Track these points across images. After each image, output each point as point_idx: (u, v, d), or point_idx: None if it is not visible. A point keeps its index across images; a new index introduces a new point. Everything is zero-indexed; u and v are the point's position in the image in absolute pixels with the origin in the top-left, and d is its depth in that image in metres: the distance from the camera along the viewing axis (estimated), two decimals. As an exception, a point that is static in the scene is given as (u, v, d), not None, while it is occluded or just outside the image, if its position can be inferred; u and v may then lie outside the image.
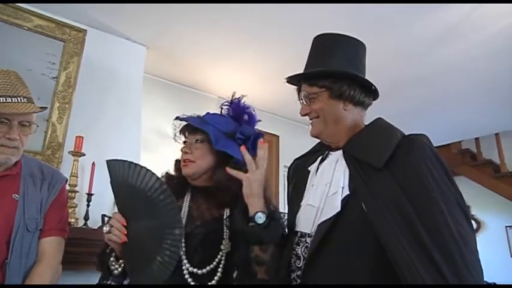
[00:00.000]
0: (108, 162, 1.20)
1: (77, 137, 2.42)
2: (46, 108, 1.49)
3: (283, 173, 4.46)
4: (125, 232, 1.16)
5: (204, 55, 3.29)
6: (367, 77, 1.31)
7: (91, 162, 2.42)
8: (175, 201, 1.16)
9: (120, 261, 1.23)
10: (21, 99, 1.36)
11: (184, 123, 1.44)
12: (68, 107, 2.54)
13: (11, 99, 1.34)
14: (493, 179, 5.64)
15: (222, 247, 1.29)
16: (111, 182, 1.21)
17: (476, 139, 5.77)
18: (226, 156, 1.34)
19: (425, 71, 3.45)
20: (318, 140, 1.42)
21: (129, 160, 1.18)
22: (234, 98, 1.52)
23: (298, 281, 1.21)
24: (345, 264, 1.13)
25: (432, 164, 1.13)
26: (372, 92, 1.33)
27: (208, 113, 1.46)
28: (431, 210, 1.06)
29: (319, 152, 1.41)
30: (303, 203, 1.30)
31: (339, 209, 1.16)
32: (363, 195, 1.14)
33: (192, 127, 1.40)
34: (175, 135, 1.50)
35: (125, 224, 1.17)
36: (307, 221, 1.24)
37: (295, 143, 4.37)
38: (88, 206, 2.38)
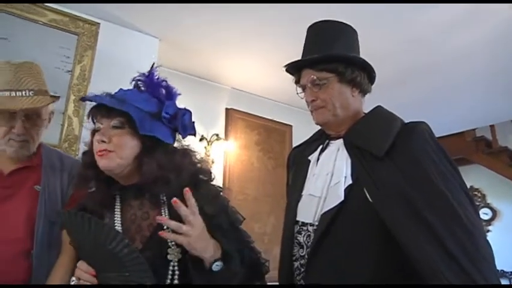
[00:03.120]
0: (61, 215, 1.11)
1: (93, 129, 2.42)
2: (55, 98, 1.47)
3: (296, 163, 4.45)
4: (96, 282, 1.03)
5: (216, 46, 3.28)
6: (374, 65, 1.31)
7: (107, 154, 2.43)
8: (139, 253, 1.02)
9: None
10: (25, 93, 1.34)
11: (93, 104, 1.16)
12: (83, 100, 2.56)
13: (15, 93, 1.33)
14: (509, 167, 5.56)
15: (169, 257, 1.09)
16: (68, 234, 1.13)
17: (492, 126, 5.68)
18: (153, 142, 1.13)
19: (437, 58, 3.39)
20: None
21: (80, 212, 1.06)
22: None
23: (302, 269, 1.21)
24: (350, 253, 1.13)
25: (433, 150, 1.13)
26: (372, 80, 1.34)
27: (121, 89, 1.20)
28: (436, 196, 1.05)
29: (319, 140, 1.40)
30: (303, 192, 1.30)
31: (342, 198, 1.17)
32: (366, 184, 1.14)
33: (106, 109, 1.12)
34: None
35: (94, 274, 1.04)
36: (309, 211, 1.24)
37: (308, 132, 4.26)
38: (105, 196, 2.39)
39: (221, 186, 1.27)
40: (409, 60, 3.41)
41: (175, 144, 1.24)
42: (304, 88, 1.32)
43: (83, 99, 1.20)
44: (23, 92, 1.34)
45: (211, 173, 1.26)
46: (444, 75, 3.72)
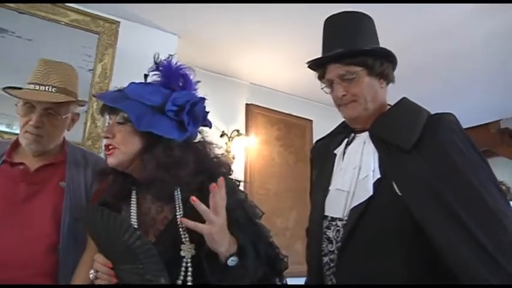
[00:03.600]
0: (83, 210, 1.15)
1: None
2: (77, 100, 1.50)
3: (317, 158, 4.43)
4: (113, 274, 1.05)
5: (235, 41, 3.28)
6: (397, 55, 1.29)
7: (130, 151, 2.46)
8: (151, 245, 1.03)
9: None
10: (48, 88, 1.38)
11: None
12: (105, 98, 2.60)
13: (39, 87, 1.37)
14: (535, 160, 5.39)
15: (182, 253, 1.09)
16: (87, 228, 1.17)
17: (516, 117, 5.51)
18: (153, 137, 1.11)
19: (459, 48, 3.31)
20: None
21: (95, 206, 1.11)
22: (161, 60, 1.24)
23: (331, 264, 1.20)
24: (380, 248, 1.12)
25: (461, 141, 1.11)
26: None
27: (132, 83, 1.20)
28: (465, 188, 1.03)
29: (342, 133, 1.38)
30: (331, 187, 1.29)
31: (371, 193, 1.15)
32: (394, 178, 1.13)
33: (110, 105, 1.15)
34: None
35: (111, 266, 1.05)
36: (338, 206, 1.23)
37: (328, 126, 4.21)
38: (128, 193, 2.43)
39: (239, 179, 1.25)
40: (430, 50, 3.34)
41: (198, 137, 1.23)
42: (331, 83, 1.29)
43: (94, 96, 1.21)
44: (46, 88, 1.37)
45: (229, 166, 1.25)
46: (467, 66, 3.62)
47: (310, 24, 3.00)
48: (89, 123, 2.56)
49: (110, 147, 1.13)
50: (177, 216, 1.12)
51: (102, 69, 2.66)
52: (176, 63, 1.22)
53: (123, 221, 1.07)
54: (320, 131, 4.37)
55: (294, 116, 4.32)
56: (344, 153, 1.32)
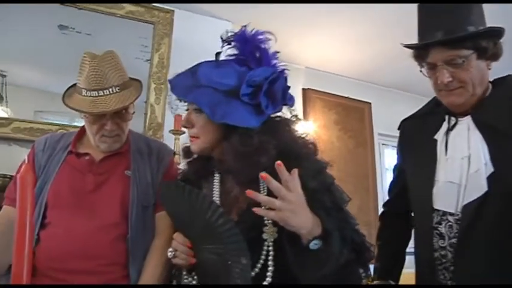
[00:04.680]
0: (162, 185, 1.13)
1: (176, 115, 2.46)
2: (140, 89, 1.45)
3: (377, 141, 4.27)
4: (192, 254, 1.04)
5: (289, 25, 3.19)
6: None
7: (191, 140, 2.45)
8: (234, 224, 0.98)
9: (193, 273, 1.10)
10: (113, 90, 1.33)
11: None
12: (163, 88, 2.62)
13: (103, 92, 1.31)
14: None
15: (264, 236, 1.04)
16: (165, 205, 1.15)
17: None
18: (232, 125, 1.04)
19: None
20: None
21: (181, 183, 1.08)
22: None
23: (443, 260, 1.14)
24: (500, 248, 1.05)
25: None
26: None
27: (204, 63, 1.12)
28: None
29: (435, 115, 1.26)
30: (439, 178, 1.19)
31: (486, 188, 1.06)
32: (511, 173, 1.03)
33: None
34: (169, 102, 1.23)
35: (190, 246, 1.04)
36: (449, 200, 1.14)
37: (388, 109, 4.17)
38: (190, 182, 2.43)
39: (327, 161, 1.13)
40: None
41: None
42: (433, 66, 1.16)
43: (169, 81, 1.16)
44: (110, 90, 1.33)
45: (315, 146, 1.15)
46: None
47: (370, 5, 2.87)
48: (149, 113, 2.58)
49: (192, 137, 1.13)
50: None
51: (159, 59, 2.67)
52: (251, 32, 1.11)
53: (205, 197, 1.02)
54: (379, 113, 4.32)
55: (352, 99, 4.18)
56: (446, 140, 1.21)
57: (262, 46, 1.13)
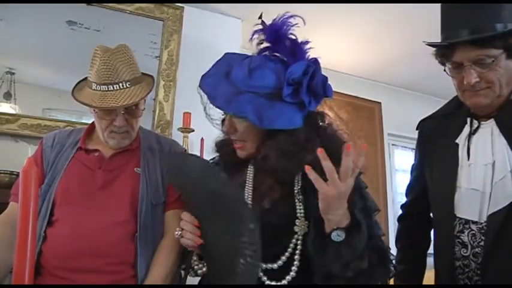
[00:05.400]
0: (165, 158, 1.10)
1: (184, 113, 2.43)
2: (151, 85, 1.41)
3: (387, 142, 4.22)
4: (199, 234, 1.00)
5: (299, 24, 3.14)
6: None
7: (200, 138, 2.42)
8: (243, 195, 0.98)
9: (203, 260, 1.09)
10: (123, 85, 1.30)
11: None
12: (172, 85, 2.59)
13: (113, 87, 1.29)
14: None
15: (296, 229, 1.01)
16: (169, 177, 1.12)
17: None
18: None
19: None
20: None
21: (184, 153, 1.05)
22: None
23: (466, 269, 1.10)
24: None
25: None
26: None
27: (236, 66, 1.05)
28: None
29: (457, 117, 1.21)
30: (462, 185, 1.14)
31: None
32: None
33: None
34: (205, 108, 1.15)
35: (197, 224, 1.01)
36: (472, 208, 1.10)
37: (398, 109, 4.12)
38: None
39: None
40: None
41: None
42: (458, 65, 1.11)
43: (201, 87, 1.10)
44: (120, 85, 1.30)
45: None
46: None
47: (380, 4, 2.82)
48: (157, 111, 2.54)
49: (237, 142, 1.09)
50: (295, 190, 1.04)
51: (169, 56, 2.63)
52: (281, 21, 1.07)
53: (214, 166, 1.01)
54: (390, 113, 4.26)
55: (362, 98, 4.12)
56: (468, 145, 1.16)
57: (293, 37, 1.10)
